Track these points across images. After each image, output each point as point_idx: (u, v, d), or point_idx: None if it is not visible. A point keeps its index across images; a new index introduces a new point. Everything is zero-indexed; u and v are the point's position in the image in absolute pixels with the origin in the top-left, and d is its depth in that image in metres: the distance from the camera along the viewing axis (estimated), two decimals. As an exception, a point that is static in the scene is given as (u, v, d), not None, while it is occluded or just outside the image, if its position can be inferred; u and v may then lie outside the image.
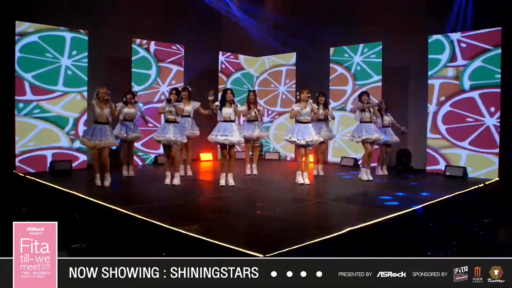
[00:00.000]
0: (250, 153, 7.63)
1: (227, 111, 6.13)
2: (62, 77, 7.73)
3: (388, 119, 7.53)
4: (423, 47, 8.07)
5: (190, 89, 7.29)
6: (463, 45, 7.53)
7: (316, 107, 6.52)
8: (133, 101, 6.91)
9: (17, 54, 7.23)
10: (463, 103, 7.52)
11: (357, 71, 9.02)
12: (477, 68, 7.39)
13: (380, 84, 8.65)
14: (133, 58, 8.71)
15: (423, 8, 8.45)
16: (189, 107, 7.08)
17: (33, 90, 7.39)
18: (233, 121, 6.17)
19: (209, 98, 6.53)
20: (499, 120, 7.08)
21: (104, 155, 6.06)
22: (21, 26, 7.26)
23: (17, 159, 7.20)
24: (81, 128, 7.80)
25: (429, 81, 7.87)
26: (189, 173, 7.27)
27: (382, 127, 7.34)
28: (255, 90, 7.74)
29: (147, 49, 8.97)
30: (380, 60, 8.70)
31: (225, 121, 6.14)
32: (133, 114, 6.91)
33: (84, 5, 8.33)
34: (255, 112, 7.16)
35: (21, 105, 7.26)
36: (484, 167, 7.28)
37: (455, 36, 7.68)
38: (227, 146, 6.17)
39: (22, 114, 7.28)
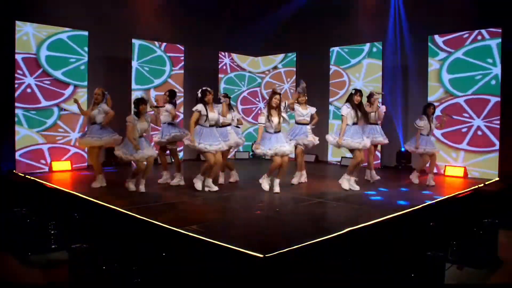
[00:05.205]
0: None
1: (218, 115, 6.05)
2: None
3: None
4: (422, 47, 8.07)
5: (229, 96, 6.41)
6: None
7: (315, 109, 6.46)
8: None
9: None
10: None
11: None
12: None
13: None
14: (149, 57, 8.89)
15: (424, 8, 8.45)
16: (229, 115, 6.33)
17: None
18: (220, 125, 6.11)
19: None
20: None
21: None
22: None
23: (16, 159, 7.20)
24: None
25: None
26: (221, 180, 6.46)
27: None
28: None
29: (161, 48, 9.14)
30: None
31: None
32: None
33: (84, 5, 8.33)
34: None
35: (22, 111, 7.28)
36: (483, 167, 7.31)
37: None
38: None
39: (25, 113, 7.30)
